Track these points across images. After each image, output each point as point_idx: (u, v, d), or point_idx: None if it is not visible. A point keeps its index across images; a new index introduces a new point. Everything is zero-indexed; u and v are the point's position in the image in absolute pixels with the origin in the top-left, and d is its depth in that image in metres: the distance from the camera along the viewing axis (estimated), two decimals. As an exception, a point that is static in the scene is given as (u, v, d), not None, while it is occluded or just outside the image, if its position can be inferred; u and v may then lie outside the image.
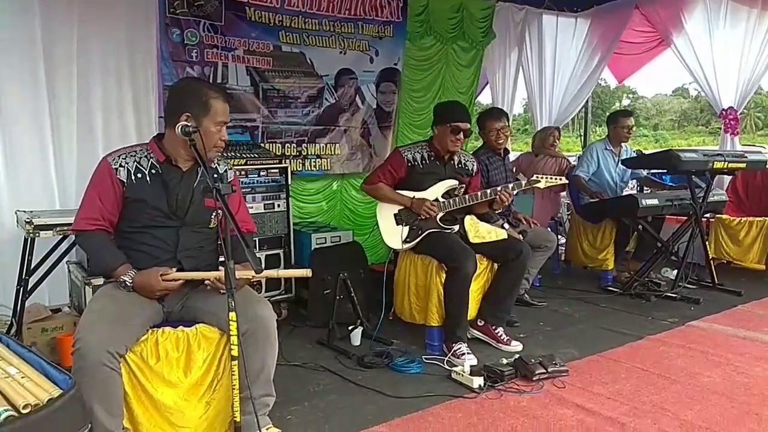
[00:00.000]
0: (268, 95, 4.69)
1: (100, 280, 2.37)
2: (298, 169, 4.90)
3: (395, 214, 3.49)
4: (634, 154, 5.17)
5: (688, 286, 4.63)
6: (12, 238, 3.51)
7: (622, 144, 5.01)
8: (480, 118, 4.19)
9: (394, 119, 5.45)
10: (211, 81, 4.33)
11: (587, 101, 6.93)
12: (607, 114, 5.57)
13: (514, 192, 3.50)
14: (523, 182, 3.53)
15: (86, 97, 3.89)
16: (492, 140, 4.04)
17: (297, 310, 4.13)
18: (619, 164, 4.97)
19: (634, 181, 5.13)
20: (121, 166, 2.23)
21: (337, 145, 5.13)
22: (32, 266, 3.22)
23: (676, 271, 4.72)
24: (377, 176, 3.57)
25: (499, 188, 3.47)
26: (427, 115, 5.62)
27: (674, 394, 2.79)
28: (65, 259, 3.37)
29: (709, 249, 4.91)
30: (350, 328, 3.59)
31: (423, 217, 3.42)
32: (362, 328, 3.60)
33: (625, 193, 5.09)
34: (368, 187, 3.61)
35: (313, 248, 4.09)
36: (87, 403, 1.81)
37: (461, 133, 3.43)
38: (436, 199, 3.45)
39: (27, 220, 2.99)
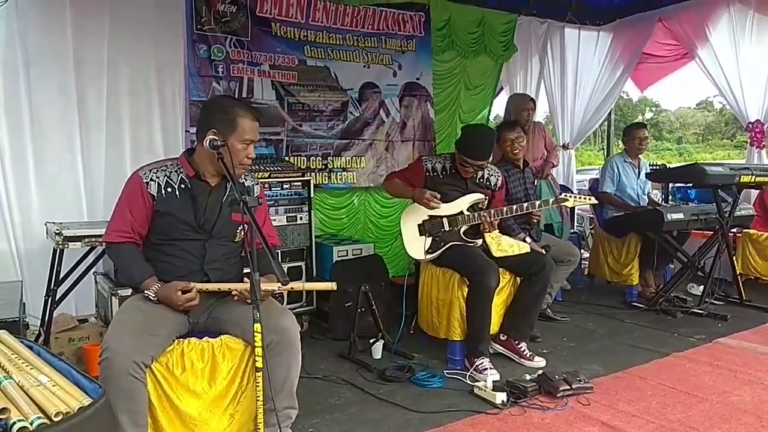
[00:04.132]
0: (293, 109, 4.75)
1: (126, 291, 2.41)
2: (324, 182, 4.94)
3: (419, 225, 3.49)
4: (649, 169, 5.12)
5: (715, 302, 4.53)
6: (42, 249, 3.59)
7: (639, 157, 4.97)
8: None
9: (414, 134, 5.47)
10: (236, 95, 4.40)
11: (610, 114, 6.89)
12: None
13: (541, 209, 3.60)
14: (551, 200, 3.53)
15: (115, 110, 3.99)
16: (508, 151, 4.03)
17: (318, 322, 4.14)
18: (641, 176, 4.92)
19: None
20: (152, 180, 2.28)
21: (362, 158, 5.17)
22: (60, 277, 3.29)
23: (702, 287, 4.63)
24: (394, 175, 3.70)
25: (525, 205, 3.46)
26: (446, 129, 5.66)
27: (702, 412, 2.73)
28: (92, 270, 3.44)
29: (736, 264, 4.82)
30: (371, 341, 3.59)
31: (446, 229, 3.42)
32: (383, 341, 3.59)
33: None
34: (386, 182, 3.77)
35: (334, 260, 4.12)
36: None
37: (471, 167, 3.43)
38: (461, 212, 3.43)
39: (56, 231, 3.06)
